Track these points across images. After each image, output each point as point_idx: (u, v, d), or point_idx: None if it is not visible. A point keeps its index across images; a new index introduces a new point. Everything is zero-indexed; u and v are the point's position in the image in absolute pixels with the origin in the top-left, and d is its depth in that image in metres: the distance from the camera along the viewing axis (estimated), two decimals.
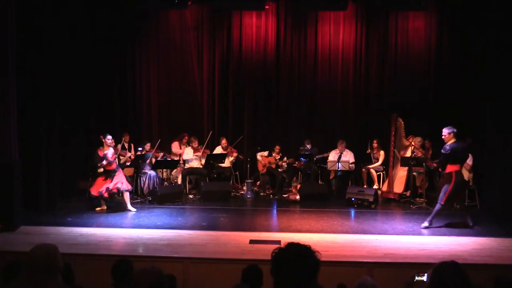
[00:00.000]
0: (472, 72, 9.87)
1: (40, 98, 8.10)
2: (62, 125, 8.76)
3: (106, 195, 8.41)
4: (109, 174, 8.48)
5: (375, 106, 11.06)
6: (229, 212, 8.61)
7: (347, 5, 9.89)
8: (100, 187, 8.40)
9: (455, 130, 7.41)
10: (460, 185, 7.45)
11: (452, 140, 7.39)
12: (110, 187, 8.41)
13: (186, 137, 10.54)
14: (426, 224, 7.57)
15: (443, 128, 9.62)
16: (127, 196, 8.62)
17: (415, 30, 10.86)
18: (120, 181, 8.51)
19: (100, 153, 8.47)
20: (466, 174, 8.95)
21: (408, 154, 9.68)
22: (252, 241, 6.62)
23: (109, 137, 8.58)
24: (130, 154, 10.03)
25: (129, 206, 8.59)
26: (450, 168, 7.42)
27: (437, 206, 7.50)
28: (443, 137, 7.50)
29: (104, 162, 8.44)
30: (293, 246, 2.24)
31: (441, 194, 7.49)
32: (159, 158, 10.03)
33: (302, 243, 2.25)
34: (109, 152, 8.49)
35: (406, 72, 10.90)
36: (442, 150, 7.48)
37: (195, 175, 10.45)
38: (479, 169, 8.94)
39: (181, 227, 7.53)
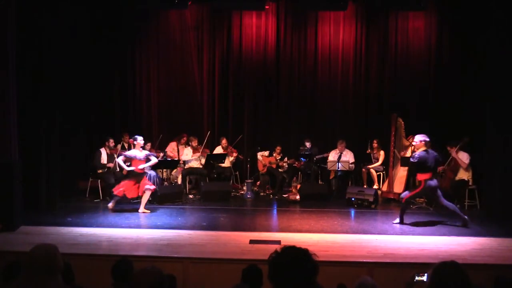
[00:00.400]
0: (472, 72, 9.87)
1: (40, 98, 8.09)
2: (62, 125, 8.76)
3: (129, 197, 8.31)
4: (138, 178, 8.33)
5: (375, 106, 11.06)
6: (229, 212, 8.60)
7: (347, 5, 9.89)
8: (127, 190, 8.21)
9: (427, 139, 7.57)
10: (430, 192, 7.58)
11: (422, 149, 7.50)
12: (137, 194, 8.33)
13: (185, 138, 10.54)
14: (397, 220, 7.77)
15: (442, 128, 9.66)
16: (147, 196, 8.39)
17: (415, 30, 10.86)
18: (147, 185, 8.36)
19: (129, 154, 8.43)
20: (463, 174, 8.96)
21: (408, 154, 9.66)
22: (252, 241, 6.61)
23: (141, 138, 8.49)
24: None
25: (142, 208, 8.38)
26: (420, 177, 7.59)
27: (401, 205, 7.83)
28: (414, 143, 7.68)
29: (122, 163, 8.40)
30: (289, 250, 2.23)
31: (405, 193, 7.81)
32: (159, 158, 10.02)
33: (298, 246, 2.24)
34: (137, 153, 8.39)
35: (406, 72, 10.89)
36: (410, 158, 7.66)
37: (195, 175, 10.45)
38: (479, 169, 8.94)
39: (181, 227, 7.53)
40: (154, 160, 8.59)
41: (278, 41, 11.15)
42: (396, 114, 9.82)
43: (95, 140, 10.20)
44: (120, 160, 8.60)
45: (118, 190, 8.27)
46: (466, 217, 7.54)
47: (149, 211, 8.37)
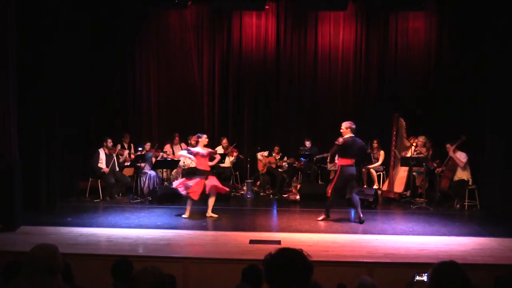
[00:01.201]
0: (472, 72, 9.87)
1: (40, 98, 8.10)
2: (62, 125, 8.76)
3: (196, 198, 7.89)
4: (205, 175, 7.99)
5: (375, 106, 11.06)
6: (229, 212, 8.60)
7: (347, 5, 9.89)
8: (199, 190, 7.83)
9: (353, 126, 7.66)
10: (346, 179, 7.62)
11: (349, 134, 7.60)
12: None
13: (177, 137, 10.56)
14: (322, 216, 7.90)
15: (442, 127, 9.64)
16: (213, 199, 8.13)
17: (415, 30, 10.86)
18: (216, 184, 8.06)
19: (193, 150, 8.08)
20: (462, 173, 8.95)
21: (409, 154, 9.67)
22: (252, 241, 6.61)
23: (205, 135, 8.18)
24: (127, 152, 10.05)
25: (210, 212, 8.09)
26: (339, 162, 7.70)
27: (327, 200, 7.91)
28: (341, 130, 7.74)
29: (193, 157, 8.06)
30: (284, 251, 2.23)
31: (328, 186, 7.94)
32: (159, 158, 10.03)
33: (292, 248, 2.24)
34: (200, 150, 8.05)
35: (406, 72, 10.89)
36: (335, 141, 7.66)
37: None
38: (479, 169, 8.93)
39: (181, 227, 7.53)
40: (218, 157, 8.43)
41: (278, 41, 11.15)
42: (397, 114, 9.82)
43: (95, 140, 10.20)
44: (184, 152, 8.28)
45: (193, 192, 7.82)
46: (362, 216, 7.71)
47: (216, 216, 8.07)
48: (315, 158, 10.36)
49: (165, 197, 9.16)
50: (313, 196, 9.53)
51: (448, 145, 9.05)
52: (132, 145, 10.46)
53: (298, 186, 9.93)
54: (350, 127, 7.61)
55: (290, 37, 11.14)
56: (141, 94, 11.16)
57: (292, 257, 2.20)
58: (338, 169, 7.68)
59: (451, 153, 8.97)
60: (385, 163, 10.23)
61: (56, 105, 8.43)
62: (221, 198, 9.41)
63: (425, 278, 2.85)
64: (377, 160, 10.39)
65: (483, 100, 8.83)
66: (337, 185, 7.66)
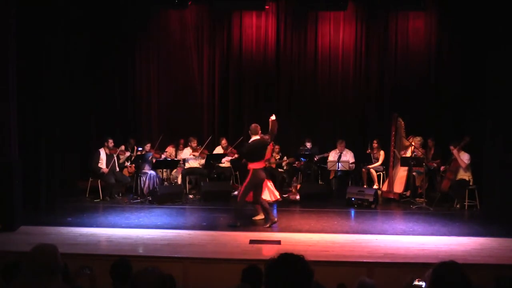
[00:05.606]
0: (472, 71, 9.86)
1: (40, 98, 8.10)
2: (62, 125, 8.76)
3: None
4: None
5: (375, 106, 11.06)
6: (229, 212, 8.59)
7: (347, 5, 9.89)
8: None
9: (258, 127, 7.57)
10: (256, 184, 7.44)
11: (256, 137, 7.53)
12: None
13: (182, 143, 10.60)
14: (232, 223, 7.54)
15: (442, 127, 9.62)
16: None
17: (415, 30, 10.86)
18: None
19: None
20: (463, 174, 8.94)
21: (409, 154, 9.67)
22: (252, 241, 6.60)
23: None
24: (128, 154, 10.04)
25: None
26: (250, 166, 7.48)
27: (236, 205, 7.69)
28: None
29: None
30: (285, 257, 2.23)
31: (238, 191, 7.73)
32: (159, 158, 10.03)
33: (294, 254, 2.24)
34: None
35: (406, 72, 10.89)
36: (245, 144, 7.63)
37: (195, 175, 10.45)
38: (479, 169, 8.93)
39: (181, 227, 7.53)
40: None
41: (278, 41, 11.15)
42: (396, 114, 9.82)
43: (95, 140, 10.20)
44: None
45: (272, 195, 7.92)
46: (275, 219, 7.58)
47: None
48: (315, 158, 10.36)
49: (165, 197, 9.15)
50: (313, 196, 9.53)
51: (451, 147, 9.00)
52: (136, 148, 10.45)
53: (298, 186, 9.92)
54: (255, 129, 7.52)
55: (290, 37, 11.14)
56: (141, 94, 11.16)
57: (293, 263, 2.19)
58: (250, 173, 7.42)
59: (455, 153, 8.89)
60: (385, 163, 10.22)
61: (56, 105, 8.43)
62: (221, 198, 9.43)
63: (423, 284, 2.81)
64: (377, 160, 10.39)
65: (483, 99, 8.83)
66: (247, 189, 7.46)
